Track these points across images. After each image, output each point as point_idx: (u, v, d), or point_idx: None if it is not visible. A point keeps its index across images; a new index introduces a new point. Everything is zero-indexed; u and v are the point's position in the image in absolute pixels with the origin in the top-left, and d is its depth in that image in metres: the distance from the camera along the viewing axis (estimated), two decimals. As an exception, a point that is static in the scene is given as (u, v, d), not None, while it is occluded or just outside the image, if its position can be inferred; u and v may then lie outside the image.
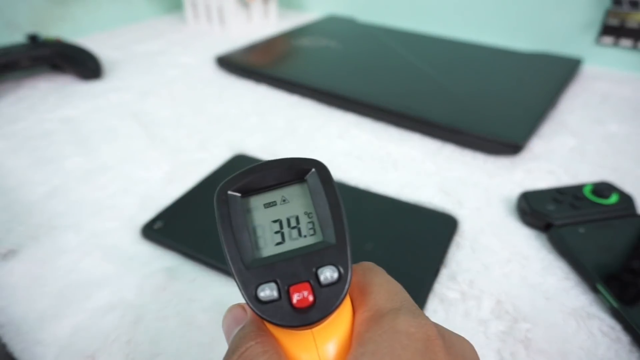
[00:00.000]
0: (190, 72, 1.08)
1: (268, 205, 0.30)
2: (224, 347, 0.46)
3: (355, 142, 0.79)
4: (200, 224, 0.60)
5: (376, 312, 0.27)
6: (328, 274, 0.26)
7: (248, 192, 0.30)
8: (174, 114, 0.89)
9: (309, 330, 0.27)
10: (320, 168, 0.30)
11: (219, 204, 0.29)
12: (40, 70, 1.06)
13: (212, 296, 0.52)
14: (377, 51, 1.10)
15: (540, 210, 0.58)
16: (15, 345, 0.46)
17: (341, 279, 0.26)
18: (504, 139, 0.72)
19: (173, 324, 0.49)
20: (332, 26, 1.29)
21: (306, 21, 1.34)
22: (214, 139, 0.80)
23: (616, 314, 0.48)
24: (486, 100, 0.85)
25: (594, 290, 0.50)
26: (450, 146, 0.77)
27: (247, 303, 0.26)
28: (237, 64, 1.05)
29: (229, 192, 0.29)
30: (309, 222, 0.29)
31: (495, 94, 0.87)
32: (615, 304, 0.47)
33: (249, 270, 0.27)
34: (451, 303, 0.50)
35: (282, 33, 1.23)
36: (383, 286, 0.29)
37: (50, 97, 0.96)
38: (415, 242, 0.56)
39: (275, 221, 0.29)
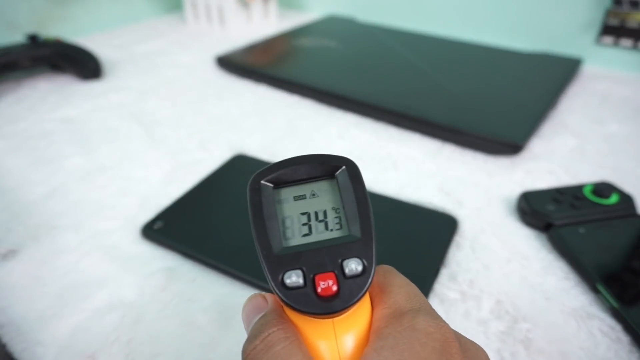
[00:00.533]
0: (190, 72, 1.08)
1: (298, 197, 0.31)
2: (224, 347, 0.46)
3: (355, 142, 0.78)
4: (200, 224, 0.60)
5: (396, 310, 0.28)
6: (353, 265, 0.27)
7: (280, 183, 0.31)
8: (174, 114, 0.89)
9: (329, 320, 0.28)
10: (351, 166, 0.31)
11: (252, 192, 0.30)
12: (40, 70, 1.06)
13: (212, 296, 0.52)
14: (377, 51, 1.10)
15: (540, 210, 0.58)
16: (15, 346, 0.46)
17: (365, 271, 0.27)
18: (504, 139, 0.72)
19: (173, 324, 0.49)
20: (332, 26, 1.29)
21: (306, 21, 1.34)
22: (214, 139, 0.80)
23: (616, 314, 0.48)
24: (486, 100, 0.85)
25: (594, 290, 0.50)
26: (450, 146, 0.77)
27: (273, 288, 0.27)
28: (237, 64, 1.05)
29: (262, 182, 0.30)
30: (336, 217, 0.30)
31: (495, 94, 0.87)
32: (615, 304, 0.47)
33: (277, 257, 0.27)
34: (451, 303, 0.50)
35: (282, 33, 1.23)
36: (403, 287, 0.30)
37: (50, 97, 0.96)
38: (415, 242, 0.56)
39: (303, 213, 0.30)
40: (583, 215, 0.57)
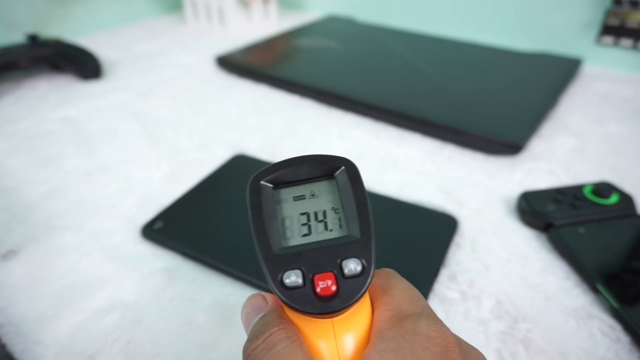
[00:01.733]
0: (190, 72, 1.08)
1: (297, 198, 0.31)
2: (224, 348, 0.46)
3: (355, 142, 0.78)
4: (200, 224, 0.60)
5: (399, 312, 0.28)
6: (352, 266, 0.27)
7: (279, 184, 0.31)
8: (174, 114, 0.89)
9: (329, 320, 0.28)
10: (350, 166, 0.31)
11: (252, 193, 0.30)
12: (40, 70, 1.06)
13: (212, 296, 0.52)
14: (377, 51, 1.10)
15: (540, 210, 0.58)
16: (15, 346, 0.46)
17: (364, 271, 0.27)
18: (504, 139, 0.72)
19: (173, 325, 0.49)
20: (332, 26, 1.29)
21: (306, 21, 1.34)
22: (214, 139, 0.80)
23: (616, 314, 0.48)
24: (486, 100, 0.85)
25: (594, 290, 0.50)
26: (451, 146, 0.77)
27: (272, 288, 0.27)
28: (237, 64, 1.05)
29: (262, 183, 0.30)
30: (336, 217, 0.30)
31: (495, 94, 0.87)
32: (615, 304, 0.47)
33: (276, 257, 0.28)
34: (451, 303, 0.50)
35: (282, 33, 1.23)
36: (406, 291, 0.30)
37: (50, 97, 0.96)
38: (415, 242, 0.56)
39: (303, 214, 0.30)
40: (583, 215, 0.57)
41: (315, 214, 0.30)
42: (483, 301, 0.50)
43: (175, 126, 0.85)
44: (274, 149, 0.77)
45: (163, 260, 0.56)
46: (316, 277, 0.27)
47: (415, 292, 0.30)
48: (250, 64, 1.04)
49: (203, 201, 0.64)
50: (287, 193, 0.31)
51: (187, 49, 1.23)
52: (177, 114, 0.89)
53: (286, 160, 0.31)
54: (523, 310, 0.49)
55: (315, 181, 0.31)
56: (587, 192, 0.60)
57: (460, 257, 0.56)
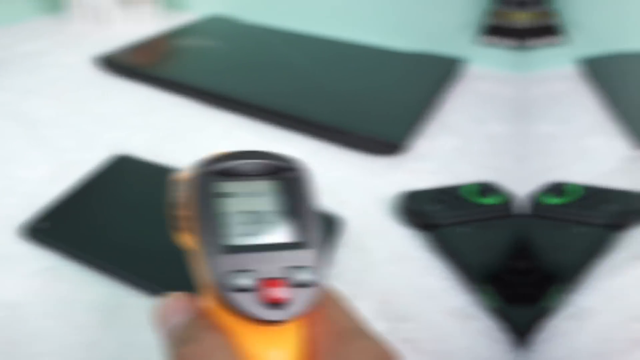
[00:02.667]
0: (72, 73, 1.04)
1: (244, 194, 0.30)
2: (108, 347, 0.45)
3: (239, 143, 0.77)
4: (83, 223, 0.60)
5: (342, 328, 0.28)
6: (304, 274, 0.26)
7: (225, 178, 0.29)
8: (55, 115, 0.87)
9: (267, 329, 0.26)
10: (302, 170, 0.31)
11: (197, 187, 0.28)
12: None
13: (94, 296, 0.51)
14: (260, 51, 1.10)
15: (421, 210, 0.58)
16: None
17: (313, 281, 0.26)
18: (382, 138, 0.73)
19: (55, 325, 0.48)
20: (215, 26, 1.28)
21: (189, 21, 1.32)
22: (96, 140, 0.78)
23: (497, 314, 0.48)
24: (367, 100, 0.86)
25: (475, 290, 0.51)
26: (333, 146, 0.77)
27: (217, 289, 0.25)
28: (119, 65, 1.02)
29: (207, 177, 0.29)
30: (281, 220, 0.29)
31: (376, 94, 0.88)
32: (496, 304, 0.48)
33: (223, 257, 0.26)
34: (334, 304, 0.50)
35: (164, 33, 1.20)
36: (346, 306, 0.29)
37: None
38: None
39: (247, 212, 0.29)
40: (465, 215, 0.58)
41: (261, 213, 0.29)
42: (366, 301, 0.50)
43: (57, 126, 0.83)
44: (158, 150, 0.75)
45: (46, 260, 0.56)
46: (265, 283, 0.26)
47: (351, 307, 0.30)
48: (132, 64, 1.02)
49: (85, 200, 0.64)
50: (233, 188, 0.30)
51: (68, 49, 1.18)
52: (59, 114, 0.87)
53: (232, 154, 0.30)
54: (405, 310, 0.50)
55: (263, 179, 0.30)
56: (468, 192, 0.61)
57: (342, 257, 0.56)
